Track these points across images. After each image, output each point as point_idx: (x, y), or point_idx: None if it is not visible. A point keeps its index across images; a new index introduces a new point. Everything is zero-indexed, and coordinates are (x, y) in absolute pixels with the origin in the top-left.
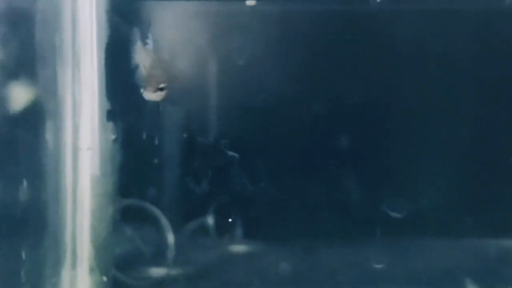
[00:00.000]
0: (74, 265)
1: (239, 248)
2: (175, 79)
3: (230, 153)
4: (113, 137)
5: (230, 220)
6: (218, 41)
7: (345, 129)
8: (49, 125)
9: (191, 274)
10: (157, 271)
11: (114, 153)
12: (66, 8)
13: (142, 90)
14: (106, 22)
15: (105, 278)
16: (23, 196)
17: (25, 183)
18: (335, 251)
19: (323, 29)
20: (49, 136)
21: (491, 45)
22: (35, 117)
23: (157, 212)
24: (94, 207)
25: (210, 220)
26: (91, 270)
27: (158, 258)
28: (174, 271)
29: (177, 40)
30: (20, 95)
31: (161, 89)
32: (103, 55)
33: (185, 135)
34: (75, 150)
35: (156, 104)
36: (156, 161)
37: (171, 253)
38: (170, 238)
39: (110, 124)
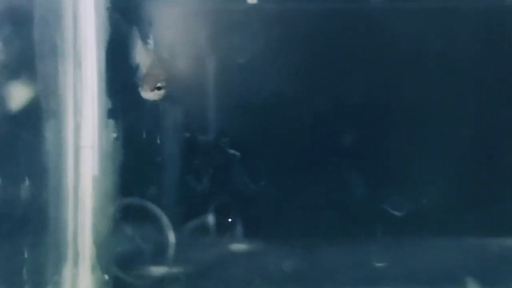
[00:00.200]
0: (75, 264)
1: (239, 246)
2: (173, 78)
3: (231, 151)
4: (114, 135)
5: (230, 219)
6: (219, 39)
7: (346, 127)
8: (50, 124)
9: (192, 272)
10: (157, 270)
11: (115, 151)
12: (67, 7)
13: (139, 89)
14: (107, 20)
15: (106, 277)
16: (25, 195)
17: (27, 181)
18: (336, 249)
19: (324, 28)
20: (50, 134)
21: (493, 43)
22: (37, 116)
23: (157, 210)
24: (95, 206)
25: (210, 219)
26: (93, 268)
27: (159, 256)
28: (174, 270)
29: (178, 38)
30: (21, 94)
31: (159, 88)
32: (104, 54)
33: (186, 134)
34: (77, 149)
35: (157, 102)
36: (157, 159)
37: (171, 251)
38: (171, 236)
39: (111, 123)
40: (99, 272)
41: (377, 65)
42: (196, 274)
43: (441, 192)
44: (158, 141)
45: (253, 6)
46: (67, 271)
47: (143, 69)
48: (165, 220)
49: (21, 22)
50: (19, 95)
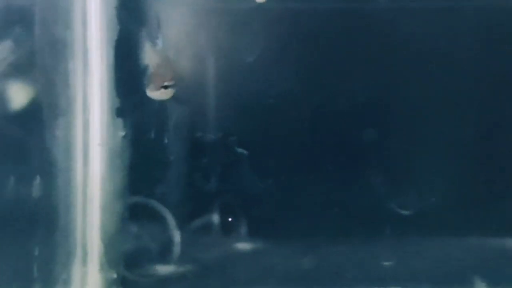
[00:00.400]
0: (84, 262)
1: (247, 245)
2: (181, 78)
3: (239, 150)
4: (122, 134)
5: (237, 218)
6: (227, 39)
7: (354, 127)
8: (60, 122)
9: (198, 271)
10: (163, 268)
11: (123, 149)
12: (77, 5)
13: (146, 88)
14: (116, 19)
15: (115, 275)
16: (35, 193)
17: (38, 179)
18: (344, 248)
19: (334, 27)
20: (60, 132)
21: (497, 43)
22: (46, 114)
23: (163, 209)
24: (104, 204)
25: (217, 218)
26: (101, 266)
27: (165, 255)
28: (180, 269)
29: (186, 37)
30: (30, 93)
31: (166, 87)
32: (113, 52)
33: (194, 133)
34: (86, 147)
35: (165, 101)
36: (164, 158)
37: (177, 250)
38: (177, 235)
39: (120, 121)
40: (108, 270)
41: (384, 65)
42: (202, 273)
43: (449, 191)
44: (166, 140)
45: (261, 5)
46: (76, 269)
47: (151, 69)
48: (172, 219)
49: (30, 21)
50: (27, 94)
